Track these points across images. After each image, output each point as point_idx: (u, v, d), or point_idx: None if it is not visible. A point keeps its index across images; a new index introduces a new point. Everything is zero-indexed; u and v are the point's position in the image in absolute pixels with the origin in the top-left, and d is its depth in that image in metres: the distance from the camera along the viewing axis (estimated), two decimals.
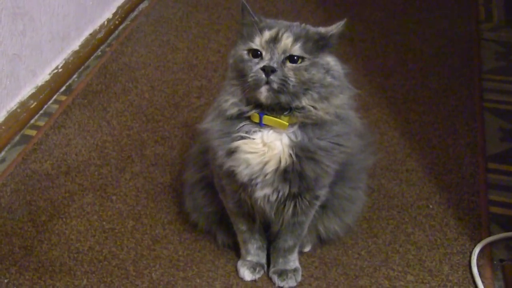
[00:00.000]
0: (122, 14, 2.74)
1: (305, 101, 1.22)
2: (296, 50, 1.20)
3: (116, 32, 2.70)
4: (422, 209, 1.75)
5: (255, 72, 1.20)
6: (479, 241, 1.63)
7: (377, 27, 2.69)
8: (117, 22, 2.70)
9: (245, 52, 1.25)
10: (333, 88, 1.24)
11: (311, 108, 1.23)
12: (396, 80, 2.33)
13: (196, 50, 2.53)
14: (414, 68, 2.40)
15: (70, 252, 1.63)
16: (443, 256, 1.60)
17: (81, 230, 1.69)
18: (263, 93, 1.20)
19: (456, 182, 1.84)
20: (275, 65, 1.19)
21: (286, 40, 1.20)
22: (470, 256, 1.59)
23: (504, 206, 1.76)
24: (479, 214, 1.72)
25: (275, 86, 1.19)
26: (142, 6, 2.90)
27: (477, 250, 1.60)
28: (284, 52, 1.21)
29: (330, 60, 1.24)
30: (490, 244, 1.64)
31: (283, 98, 1.21)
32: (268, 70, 1.19)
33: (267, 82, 1.19)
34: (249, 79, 1.21)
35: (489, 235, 1.66)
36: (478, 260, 1.58)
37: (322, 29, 1.26)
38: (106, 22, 2.64)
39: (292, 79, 1.20)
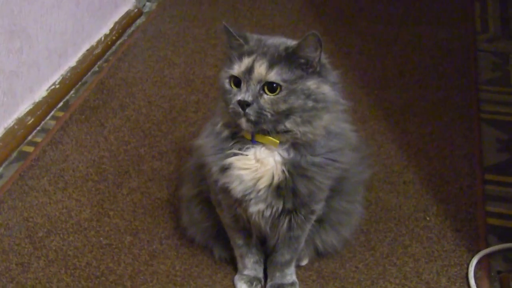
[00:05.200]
0: (119, 29, 2.75)
1: (289, 125, 1.21)
2: (272, 76, 1.18)
3: (113, 47, 2.70)
4: (420, 221, 1.75)
5: (233, 105, 1.20)
6: (476, 253, 1.63)
7: (374, 39, 2.70)
8: (114, 37, 2.71)
9: (227, 81, 1.24)
10: (316, 111, 1.21)
11: (297, 131, 1.22)
12: (393, 92, 2.33)
13: (193, 65, 2.54)
14: (411, 80, 2.40)
15: (68, 268, 1.63)
16: (441, 268, 1.60)
17: (78, 246, 1.69)
18: (244, 123, 1.21)
19: (453, 193, 1.84)
20: (250, 99, 1.18)
21: (259, 69, 1.18)
22: (468, 268, 1.59)
23: (501, 217, 1.76)
24: (476, 226, 1.72)
25: (252, 118, 1.19)
26: (139, 21, 2.91)
27: (474, 261, 1.60)
28: (259, 81, 1.19)
29: (310, 84, 1.20)
30: (488, 255, 1.63)
31: (265, 126, 1.21)
32: (243, 104, 1.18)
33: (245, 115, 1.19)
34: (230, 111, 1.21)
35: (487, 247, 1.65)
36: (475, 271, 1.58)
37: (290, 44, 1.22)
38: (103, 38, 2.65)
39: (269, 110, 1.18)
